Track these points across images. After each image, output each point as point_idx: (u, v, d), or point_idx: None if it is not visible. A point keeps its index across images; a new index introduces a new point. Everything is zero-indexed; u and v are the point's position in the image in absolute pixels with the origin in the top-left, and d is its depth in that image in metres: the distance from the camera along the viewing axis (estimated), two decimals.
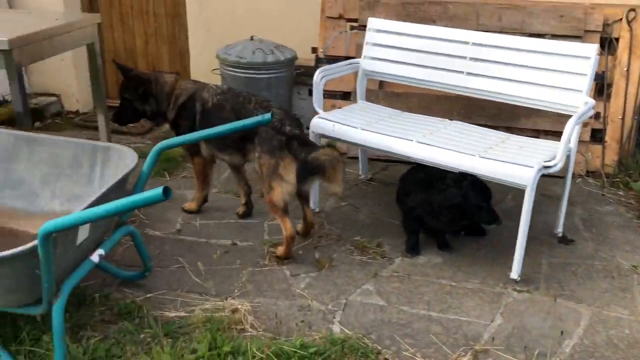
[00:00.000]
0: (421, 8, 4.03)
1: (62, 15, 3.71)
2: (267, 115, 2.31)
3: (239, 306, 2.60)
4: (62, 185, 2.66)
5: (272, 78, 4.16)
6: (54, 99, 5.42)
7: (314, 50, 4.43)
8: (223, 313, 2.55)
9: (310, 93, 4.49)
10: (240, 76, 4.09)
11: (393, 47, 3.54)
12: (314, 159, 2.75)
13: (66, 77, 5.20)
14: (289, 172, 2.81)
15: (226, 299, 2.65)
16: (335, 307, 2.65)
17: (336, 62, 4.25)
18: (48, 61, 3.70)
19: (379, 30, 3.59)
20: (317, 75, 3.36)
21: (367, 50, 3.62)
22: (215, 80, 4.15)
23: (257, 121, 2.31)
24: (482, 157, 2.83)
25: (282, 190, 2.83)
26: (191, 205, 3.42)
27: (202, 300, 2.66)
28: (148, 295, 2.67)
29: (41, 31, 2.93)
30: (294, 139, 2.83)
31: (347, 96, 4.29)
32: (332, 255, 3.05)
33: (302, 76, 4.45)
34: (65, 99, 5.43)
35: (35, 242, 1.87)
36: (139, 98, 3.11)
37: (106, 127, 3.54)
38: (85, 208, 2.06)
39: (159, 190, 1.60)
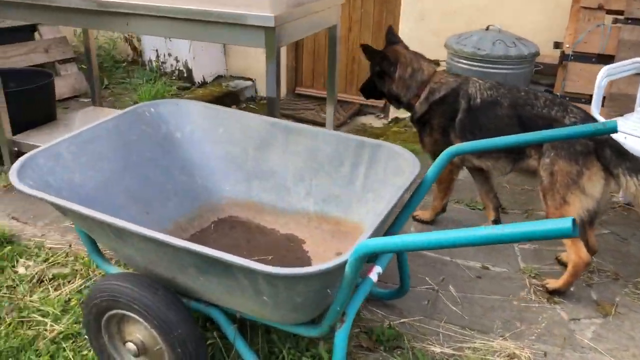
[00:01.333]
0: None
1: None
2: (612, 122, 1.79)
3: (517, 351, 2.13)
4: (318, 182, 2.34)
5: (508, 74, 3.61)
6: (249, 83, 5.33)
7: (557, 45, 3.82)
8: (498, 358, 2.10)
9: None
10: (474, 70, 3.59)
11: None
12: None
13: (263, 62, 5.03)
14: (594, 185, 2.27)
15: (499, 338, 2.19)
16: None
17: (588, 60, 3.65)
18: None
19: None
20: (601, 74, 2.78)
21: None
22: None
23: (599, 129, 1.80)
24: None
25: (581, 205, 2.29)
26: (425, 214, 3.00)
27: (467, 337, 2.22)
28: (402, 320, 2.29)
29: (300, 8, 2.61)
30: (605, 146, 2.27)
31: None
32: (614, 298, 2.47)
33: (537, 74, 3.87)
34: (259, 84, 5.32)
35: (343, 259, 1.52)
36: (377, 75, 2.77)
37: (332, 119, 3.22)
38: (379, 223, 1.71)
39: (567, 223, 1.15)
